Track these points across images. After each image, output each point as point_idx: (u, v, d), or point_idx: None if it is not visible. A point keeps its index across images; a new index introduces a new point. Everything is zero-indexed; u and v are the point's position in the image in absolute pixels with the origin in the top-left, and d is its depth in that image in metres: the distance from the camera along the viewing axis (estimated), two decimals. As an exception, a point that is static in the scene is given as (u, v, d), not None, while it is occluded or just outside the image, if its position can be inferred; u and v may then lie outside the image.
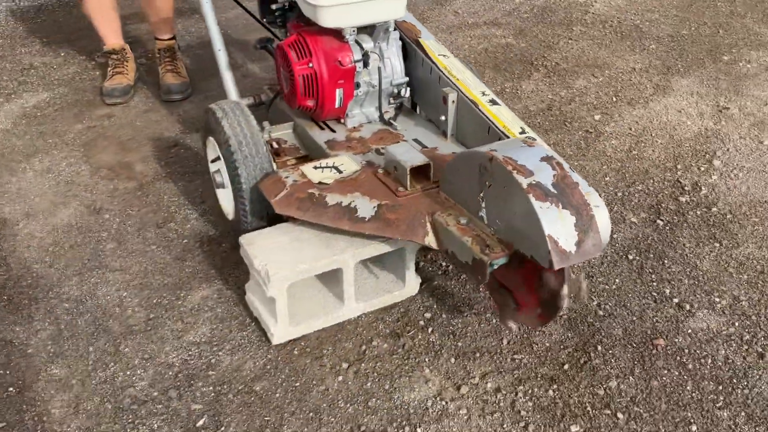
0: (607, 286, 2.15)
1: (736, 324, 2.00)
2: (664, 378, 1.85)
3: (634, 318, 2.04)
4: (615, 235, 2.35)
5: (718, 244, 2.31)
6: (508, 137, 1.94)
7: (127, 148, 2.97)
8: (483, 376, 1.87)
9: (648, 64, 3.54)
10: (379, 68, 2.22)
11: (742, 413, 1.75)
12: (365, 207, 1.89)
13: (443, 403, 1.80)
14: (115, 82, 3.30)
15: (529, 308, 1.81)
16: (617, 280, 2.17)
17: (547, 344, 1.96)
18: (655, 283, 2.16)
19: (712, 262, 2.24)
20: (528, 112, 3.13)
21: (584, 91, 3.31)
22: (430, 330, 2.02)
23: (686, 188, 2.59)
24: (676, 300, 2.09)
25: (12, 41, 3.93)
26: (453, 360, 1.92)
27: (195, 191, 2.68)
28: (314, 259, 1.92)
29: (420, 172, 1.94)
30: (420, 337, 2.00)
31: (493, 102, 2.07)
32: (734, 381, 1.83)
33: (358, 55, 2.17)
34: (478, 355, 1.94)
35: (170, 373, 1.92)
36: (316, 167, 2.06)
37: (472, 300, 2.12)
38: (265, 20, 2.46)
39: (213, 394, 1.85)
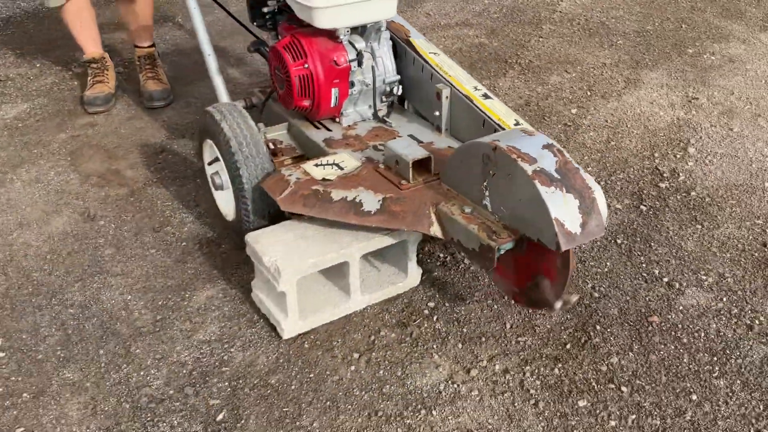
0: (599, 270, 2.24)
1: (724, 299, 2.11)
2: (662, 352, 1.94)
3: (628, 298, 2.13)
4: (602, 222, 2.45)
5: (699, 226, 2.43)
6: (503, 129, 2.02)
7: (114, 155, 2.98)
8: (491, 359, 1.94)
9: (617, 59, 3.67)
10: (372, 67, 2.28)
11: (738, 381, 1.85)
12: (370, 201, 1.95)
13: (455, 386, 1.87)
14: (97, 91, 3.30)
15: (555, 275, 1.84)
16: (608, 263, 2.27)
17: (549, 326, 2.04)
18: (644, 265, 2.26)
19: (695, 243, 2.35)
20: (508, 108, 3.23)
21: (559, 86, 3.42)
22: (435, 318, 2.08)
23: (665, 175, 2.71)
24: (665, 279, 2.20)
25: (-16, 53, 3.90)
26: (460, 345, 1.99)
27: (188, 195, 2.70)
28: (322, 253, 1.97)
29: (421, 166, 2.00)
30: (426, 325, 2.06)
31: (486, 96, 2.15)
32: (727, 352, 1.94)
33: (352, 55, 2.23)
34: (483, 339, 2.01)
35: (184, 371, 1.95)
36: (317, 165, 2.11)
37: (472, 288, 2.19)
38: (255, 24, 2.50)
39: (229, 389, 1.88)
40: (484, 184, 1.81)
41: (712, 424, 1.74)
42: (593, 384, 1.86)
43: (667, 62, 3.62)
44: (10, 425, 1.81)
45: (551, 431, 1.74)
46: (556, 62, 3.66)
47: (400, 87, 2.35)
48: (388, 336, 2.03)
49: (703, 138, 2.94)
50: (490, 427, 1.76)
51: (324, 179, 2.04)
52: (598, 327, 2.03)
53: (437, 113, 2.24)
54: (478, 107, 2.11)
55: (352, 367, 1.94)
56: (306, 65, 2.21)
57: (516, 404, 1.81)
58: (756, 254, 2.29)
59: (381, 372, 1.92)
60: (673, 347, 1.96)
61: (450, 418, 1.78)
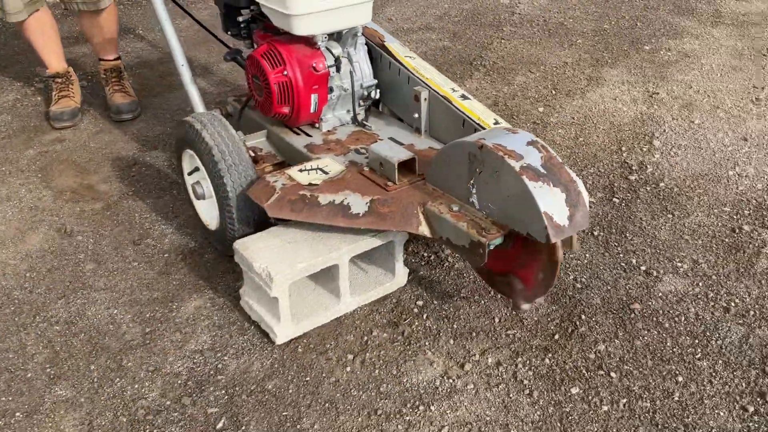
0: (579, 261, 2.31)
1: (700, 284, 2.20)
2: (646, 338, 2.01)
3: (609, 287, 2.20)
4: (578, 215, 2.52)
5: (670, 216, 2.51)
6: (483, 128, 2.07)
7: (85, 170, 2.94)
8: (483, 353, 1.98)
9: (578, 58, 3.77)
10: (350, 72, 2.31)
11: (720, 361, 1.93)
12: (358, 203, 1.98)
13: (450, 381, 1.90)
14: (63, 106, 3.26)
15: (532, 279, 1.92)
16: (587, 255, 2.34)
17: (535, 318, 2.09)
18: (621, 255, 2.33)
19: (668, 232, 2.43)
20: (477, 108, 3.29)
21: (524, 86, 3.50)
22: (425, 316, 2.12)
23: (633, 168, 2.80)
24: (643, 268, 2.27)
25: (-59, 71, 3.81)
26: (452, 341, 2.03)
27: (166, 206, 2.69)
28: (312, 257, 1.99)
29: (405, 167, 2.04)
30: (417, 323, 2.09)
31: (464, 97, 2.20)
32: (707, 334, 2.02)
33: (330, 61, 2.26)
34: (474, 334, 2.05)
35: (179, 381, 1.94)
36: (301, 170, 2.13)
37: (459, 285, 2.23)
38: (229, 33, 2.50)
39: (227, 397, 1.89)
40: (471, 182, 1.85)
41: (699, 404, 1.81)
42: (583, 371, 1.91)
43: (626, 59, 3.73)
44: (5, 446, 1.78)
45: (547, 419, 1.79)
46: (519, 63, 3.74)
47: (378, 91, 2.39)
48: (381, 336, 2.06)
49: (667, 131, 3.04)
50: (488, 418, 1.80)
51: (310, 184, 2.05)
52: (583, 317, 2.09)
53: (416, 115, 2.28)
54: (457, 108, 2.16)
55: (348, 369, 1.96)
56: (285, 72, 2.23)
57: (511, 395, 1.86)
58: (726, 240, 2.38)
59: (376, 371, 1.94)
60: (656, 332, 2.03)
61: (448, 412, 1.82)
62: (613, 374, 1.90)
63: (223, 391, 1.90)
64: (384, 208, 1.96)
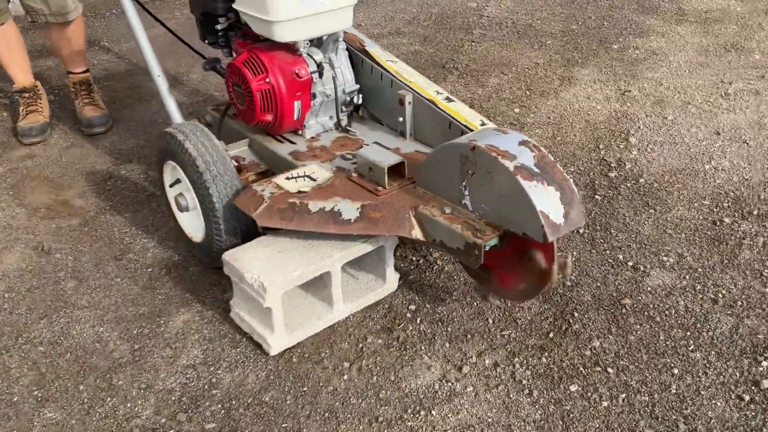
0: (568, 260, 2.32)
1: (687, 277, 2.23)
2: (638, 332, 2.03)
3: (599, 284, 2.22)
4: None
5: (652, 211, 2.55)
6: (470, 130, 2.07)
7: (59, 185, 2.87)
8: (479, 355, 1.98)
9: (549, 59, 3.80)
10: (334, 77, 2.29)
11: (713, 352, 1.95)
12: (349, 209, 1.96)
13: (449, 384, 1.89)
14: (31, 121, 3.18)
15: (511, 285, 1.94)
16: (575, 253, 2.35)
17: (529, 318, 2.10)
18: (608, 251, 2.35)
19: (651, 227, 2.46)
20: (453, 111, 3.30)
21: (499, 88, 3.52)
22: (418, 320, 2.11)
23: (612, 165, 2.83)
24: (630, 263, 2.29)
25: None
26: (447, 344, 2.02)
27: (145, 220, 2.64)
28: (304, 265, 1.96)
29: (394, 171, 2.03)
30: (411, 328, 2.08)
31: (448, 99, 2.20)
32: (698, 326, 2.04)
33: (313, 67, 2.24)
34: (469, 336, 2.04)
35: (173, 398, 1.90)
36: (288, 178, 2.11)
37: (450, 288, 2.23)
38: (206, 41, 2.47)
39: (223, 411, 1.85)
40: (463, 184, 1.85)
41: (696, 395, 1.83)
42: (581, 369, 1.92)
43: (596, 59, 3.78)
44: (-4, 473, 1.72)
45: (549, 418, 1.79)
46: (491, 65, 3.76)
47: (360, 96, 2.37)
48: (375, 342, 2.04)
49: (642, 128, 3.08)
50: (489, 420, 1.79)
51: (299, 191, 2.03)
52: (575, 314, 2.10)
53: (401, 119, 2.27)
54: (442, 110, 2.16)
55: (345, 377, 1.94)
56: (267, 80, 2.20)
57: (511, 395, 1.86)
58: (708, 233, 2.42)
59: (374, 378, 1.93)
60: (648, 326, 2.05)
61: (450, 415, 1.81)
62: (610, 370, 1.91)
63: (220, 406, 1.87)
64: (375, 213, 1.94)
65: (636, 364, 1.93)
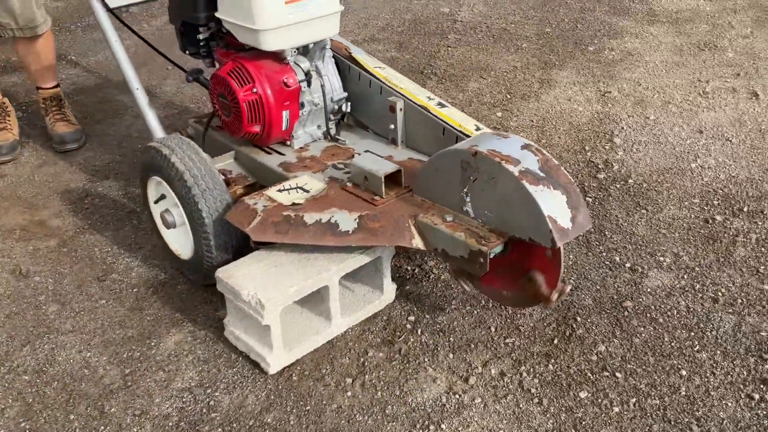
0: (565, 263, 2.28)
1: (685, 277, 2.21)
2: (643, 334, 2.01)
3: (598, 287, 2.19)
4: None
5: (644, 211, 2.54)
6: (466, 135, 2.03)
7: (34, 205, 2.76)
8: (485, 365, 1.94)
9: (526, 62, 3.80)
10: (322, 86, 2.24)
11: (718, 351, 1.94)
12: (346, 220, 1.90)
13: (457, 396, 1.85)
14: (0, 139, 3.06)
15: (497, 288, 1.91)
16: (571, 256, 2.33)
17: (531, 324, 2.06)
18: (604, 254, 2.33)
19: (645, 227, 2.45)
20: (436, 117, 3.26)
21: (479, 92, 3.49)
22: (419, 331, 2.06)
23: (600, 166, 2.82)
24: (627, 265, 2.28)
25: None
26: (451, 355, 1.97)
27: (127, 238, 2.55)
28: (301, 279, 1.90)
29: (390, 179, 1.98)
30: (412, 339, 2.03)
31: (441, 105, 2.16)
32: (701, 326, 2.03)
33: (301, 76, 2.18)
34: (472, 346, 2.00)
35: (170, 424, 1.82)
36: (280, 190, 2.04)
37: (448, 297, 2.18)
38: (187, 52, 2.39)
39: (225, 436, 1.78)
40: (465, 190, 1.81)
41: (706, 396, 1.81)
42: (588, 374, 1.89)
43: (573, 60, 3.78)
44: None
45: (561, 426, 1.75)
46: (469, 69, 3.74)
47: (349, 104, 2.32)
48: (377, 356, 1.98)
49: (625, 128, 3.08)
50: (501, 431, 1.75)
51: (293, 204, 1.97)
52: (578, 318, 2.07)
53: (392, 126, 2.23)
54: (435, 116, 2.12)
55: (348, 393, 1.88)
56: (254, 90, 2.14)
57: (521, 405, 1.81)
58: (701, 231, 2.41)
59: (379, 393, 1.87)
60: (652, 328, 2.03)
61: (460, 429, 1.76)
62: (618, 374, 1.88)
63: (220, 430, 1.79)
64: (374, 223, 1.89)
65: (643, 367, 1.90)
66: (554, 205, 1.66)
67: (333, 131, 2.33)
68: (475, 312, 2.12)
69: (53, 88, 3.19)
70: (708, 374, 1.87)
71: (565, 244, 2.16)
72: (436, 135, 2.13)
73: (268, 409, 1.84)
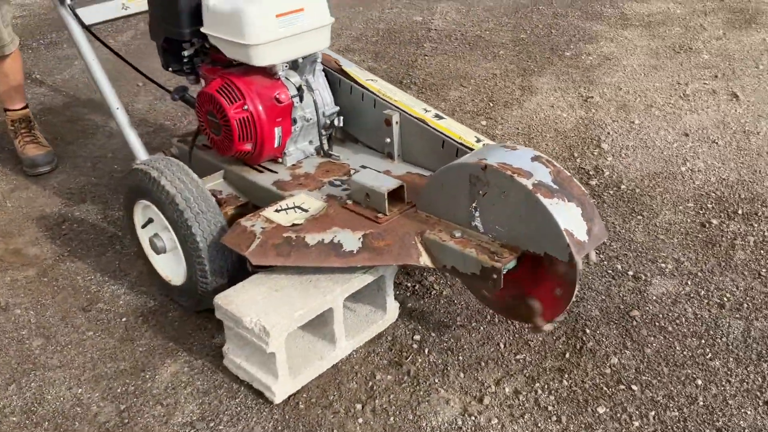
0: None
1: (689, 283, 2.19)
2: (654, 344, 1.97)
3: (603, 297, 2.16)
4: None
5: (640, 217, 2.52)
6: (468, 148, 1.98)
7: (8, 233, 2.63)
8: (497, 383, 1.88)
9: (505, 69, 3.77)
10: (315, 100, 2.17)
11: (730, 358, 1.92)
12: (350, 240, 1.83)
13: (473, 418, 1.79)
14: (-32, 164, 2.92)
15: (549, 297, 1.83)
16: (573, 266, 2.29)
17: (541, 339, 2.01)
18: (605, 262, 2.30)
19: (643, 233, 2.43)
20: (420, 127, 3.21)
21: (460, 100, 3.45)
22: (426, 351, 1.99)
23: (591, 173, 2.79)
24: (630, 273, 2.25)
25: None
26: (462, 375, 1.91)
27: (111, 264, 2.44)
28: (305, 303, 1.83)
29: (392, 196, 1.91)
30: (420, 360, 1.97)
31: (438, 116, 2.11)
32: (711, 332, 2.00)
33: (293, 91, 2.11)
34: (482, 364, 1.94)
35: (174, 462, 1.72)
36: (278, 210, 1.97)
37: (452, 313, 2.12)
38: (170, 69, 2.30)
39: (234, 472, 1.69)
40: (473, 205, 1.75)
41: (724, 405, 1.78)
42: (604, 389, 1.85)
43: (551, 66, 3.77)
44: None
45: (582, 445, 1.71)
46: (449, 78, 3.70)
47: (341, 118, 2.25)
48: (385, 379, 1.92)
49: (611, 133, 3.07)
50: (521, 453, 1.70)
51: (293, 224, 1.89)
52: (587, 330, 2.03)
53: (388, 140, 2.16)
54: (434, 128, 2.06)
55: (360, 420, 1.80)
56: (245, 107, 2.06)
57: (539, 424, 1.76)
58: (699, 235, 2.40)
59: (391, 419, 1.80)
60: (662, 337, 1.99)
61: (479, 452, 1.70)
62: (634, 387, 1.84)
63: (228, 466, 1.71)
64: (379, 242, 1.83)
65: (658, 378, 1.87)
66: (570, 218, 1.62)
67: (326, 146, 2.26)
68: (482, 328, 2.06)
69: (22, 109, 3.06)
70: (723, 382, 1.84)
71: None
72: (435, 148, 2.07)
73: (276, 441, 1.76)
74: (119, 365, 2.02)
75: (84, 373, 1.99)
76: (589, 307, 2.12)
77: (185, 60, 2.22)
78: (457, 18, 4.54)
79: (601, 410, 1.79)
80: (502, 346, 2.00)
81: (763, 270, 2.22)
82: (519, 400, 1.83)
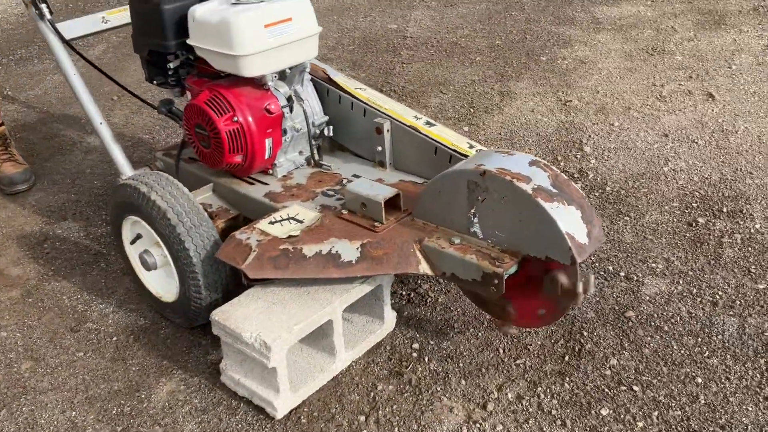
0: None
1: (680, 282, 2.21)
2: (651, 344, 1.99)
3: (598, 298, 2.17)
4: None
5: (627, 218, 2.54)
6: (461, 154, 1.98)
7: (-13, 254, 2.57)
8: (500, 389, 1.88)
9: (483, 75, 3.79)
10: (304, 110, 2.15)
11: (728, 356, 1.94)
12: (348, 250, 1.82)
13: (478, 425, 1.78)
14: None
15: (528, 311, 1.86)
16: (565, 269, 2.30)
17: (539, 342, 2.02)
18: (596, 263, 2.32)
19: (631, 234, 2.45)
20: (403, 135, 3.21)
21: (441, 107, 3.46)
22: (426, 359, 1.98)
23: (575, 176, 2.81)
24: (622, 274, 2.26)
25: None
26: (463, 382, 1.90)
27: (97, 283, 2.39)
28: (304, 316, 1.80)
29: (389, 204, 1.90)
30: (420, 368, 1.95)
31: (429, 124, 2.10)
32: (706, 330, 2.02)
33: (283, 101, 2.09)
34: (483, 370, 1.94)
35: (176, 483, 1.69)
36: (272, 222, 1.94)
37: (449, 320, 2.12)
38: (154, 82, 2.26)
39: (239, 490, 1.66)
40: (472, 211, 1.75)
41: (726, 403, 1.80)
42: (606, 390, 1.85)
43: (528, 71, 3.80)
44: None
45: (588, 447, 1.71)
46: (428, 84, 3.71)
47: (331, 128, 2.24)
48: (387, 389, 1.90)
49: (592, 136, 3.10)
50: (529, 458, 1.69)
51: (290, 236, 1.87)
52: (584, 333, 2.04)
53: (379, 148, 2.15)
54: (426, 136, 2.06)
55: (364, 432, 1.79)
56: (235, 118, 2.03)
57: (544, 429, 1.76)
58: (687, 234, 2.43)
59: (396, 430, 1.78)
60: (658, 337, 2.01)
61: (487, 459, 1.69)
62: (635, 387, 1.85)
63: (233, 484, 1.67)
64: (378, 251, 1.81)
65: (659, 378, 1.88)
66: (570, 221, 1.62)
67: (316, 156, 2.24)
68: (480, 334, 2.06)
69: (-3, 126, 2.99)
70: (723, 380, 1.86)
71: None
72: (428, 155, 2.07)
73: (280, 456, 1.73)
74: (113, 386, 1.97)
75: (77, 396, 1.94)
76: (584, 309, 2.12)
77: (170, 72, 2.19)
78: (432, 25, 4.55)
79: (604, 412, 1.79)
80: (501, 351, 2.00)
81: (753, 267, 2.25)
82: (522, 405, 1.83)
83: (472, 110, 3.41)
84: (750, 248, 2.33)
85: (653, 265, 2.30)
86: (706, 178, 2.74)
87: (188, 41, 2.08)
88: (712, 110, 3.23)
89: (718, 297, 2.14)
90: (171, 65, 2.15)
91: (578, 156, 2.95)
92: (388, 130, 2.13)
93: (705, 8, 4.48)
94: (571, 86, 3.58)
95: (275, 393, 1.81)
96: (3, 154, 2.97)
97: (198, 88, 2.14)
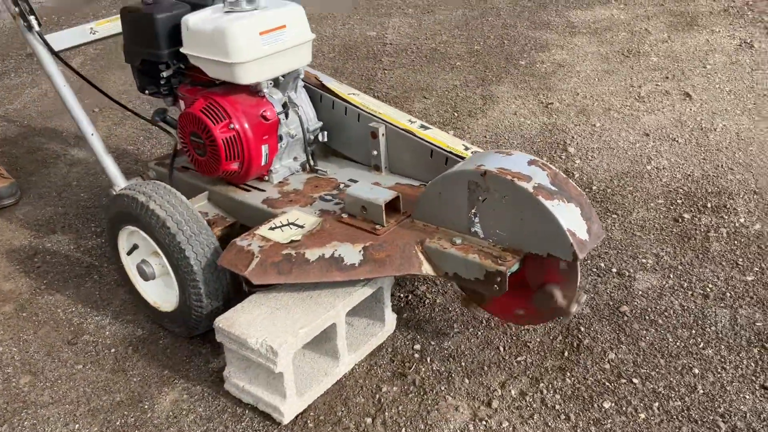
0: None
1: (671, 276, 2.27)
2: (647, 338, 2.03)
3: (592, 294, 2.21)
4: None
5: (615, 215, 2.59)
6: (458, 156, 2.01)
7: (-24, 270, 2.53)
8: (503, 386, 1.90)
9: (464, 80, 3.84)
10: (299, 116, 2.16)
11: (722, 346, 1.99)
12: (350, 253, 1.83)
13: (484, 423, 1.80)
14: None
15: (507, 306, 1.90)
16: (559, 267, 2.34)
17: (538, 339, 2.05)
18: (588, 261, 2.36)
19: (620, 231, 2.50)
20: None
21: (426, 112, 3.50)
22: (428, 360, 2.00)
23: (562, 176, 2.86)
24: (614, 270, 2.31)
25: None
26: (467, 380, 1.93)
27: (91, 295, 2.37)
28: (309, 320, 1.81)
29: (389, 207, 1.92)
30: (423, 369, 1.97)
31: (424, 127, 2.13)
32: (699, 323, 2.07)
33: (278, 108, 2.10)
34: (485, 368, 1.96)
35: (187, 491, 1.68)
36: (272, 228, 1.95)
37: (449, 320, 2.14)
38: (146, 92, 2.26)
39: (251, 496, 1.66)
40: (473, 211, 1.78)
41: (723, 392, 1.84)
42: (606, 384, 1.89)
43: (508, 75, 3.85)
44: None
45: (593, 440, 1.74)
46: (410, 90, 3.75)
47: (325, 133, 2.26)
48: (392, 390, 1.92)
49: (575, 137, 3.15)
50: (536, 453, 1.72)
51: (292, 241, 1.88)
52: (581, 328, 2.08)
53: (375, 152, 2.18)
54: (421, 139, 2.08)
55: (372, 433, 1.80)
56: (231, 126, 2.04)
57: (549, 424, 1.79)
58: (674, 230, 2.48)
59: (403, 430, 1.80)
60: (654, 330, 2.05)
61: (495, 456, 1.72)
62: (634, 380, 1.89)
63: (244, 490, 1.67)
64: (380, 253, 1.83)
65: (657, 370, 1.92)
66: (571, 219, 1.66)
67: (312, 162, 2.26)
68: (480, 333, 2.08)
69: (-20, 141, 2.95)
70: (719, 370, 1.91)
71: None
72: (423, 158, 2.09)
73: (290, 461, 1.74)
74: (114, 397, 1.96)
75: (79, 408, 1.93)
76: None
77: (163, 82, 2.19)
78: (410, 32, 4.59)
79: (606, 405, 1.83)
80: (501, 349, 2.02)
81: (740, 260, 2.31)
82: (526, 401, 1.86)
83: (456, 114, 3.45)
84: (736, 242, 2.39)
85: (643, 260, 2.35)
86: (689, 175, 2.80)
87: (182, 50, 2.08)
88: (690, 109, 3.31)
89: (708, 290, 2.20)
90: (164, 74, 2.15)
91: (563, 157, 3.00)
92: (383, 134, 2.15)
93: (677, 10, 4.59)
94: (551, 89, 3.64)
95: (281, 398, 1.81)
96: (-13, 168, 2.93)
97: (192, 96, 2.14)
